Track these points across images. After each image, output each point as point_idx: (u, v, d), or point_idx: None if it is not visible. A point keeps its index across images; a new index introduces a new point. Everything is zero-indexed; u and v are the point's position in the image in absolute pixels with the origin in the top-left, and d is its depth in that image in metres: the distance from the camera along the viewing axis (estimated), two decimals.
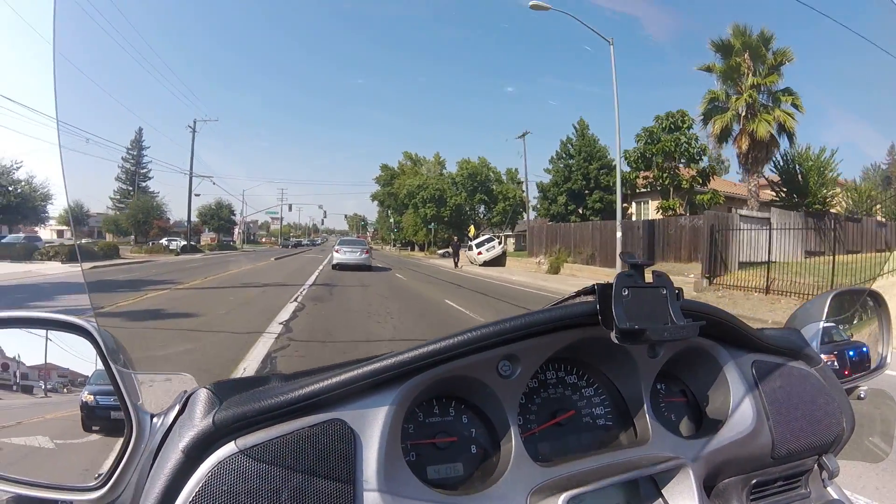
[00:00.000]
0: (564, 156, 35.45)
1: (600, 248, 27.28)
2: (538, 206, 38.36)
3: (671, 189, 27.23)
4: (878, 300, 1.60)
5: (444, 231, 55.43)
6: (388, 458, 0.87)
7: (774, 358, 1.31)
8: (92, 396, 0.95)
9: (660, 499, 1.04)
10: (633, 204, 34.18)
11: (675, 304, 1.00)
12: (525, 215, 50.35)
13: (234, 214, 59.81)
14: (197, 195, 47.23)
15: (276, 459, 0.82)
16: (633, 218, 32.24)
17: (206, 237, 57.71)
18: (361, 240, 36.89)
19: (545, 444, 1.12)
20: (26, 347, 0.95)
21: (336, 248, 27.70)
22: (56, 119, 1.22)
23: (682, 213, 26.36)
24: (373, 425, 0.89)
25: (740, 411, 1.20)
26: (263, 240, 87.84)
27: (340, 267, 25.54)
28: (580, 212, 34.42)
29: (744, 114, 24.15)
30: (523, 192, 51.53)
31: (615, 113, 23.32)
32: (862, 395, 1.49)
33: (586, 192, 33.79)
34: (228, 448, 0.83)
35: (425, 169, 58.20)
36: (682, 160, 27.00)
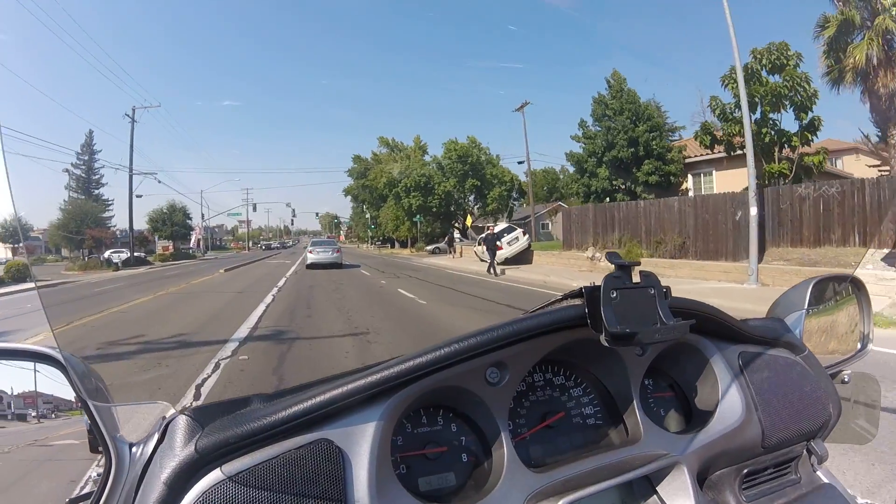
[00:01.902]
0: (602, 117, 27.53)
1: (695, 234, 19.78)
2: (569, 184, 30.49)
3: (776, 148, 19.16)
4: (859, 286, 1.57)
5: (429, 224, 48.38)
6: (378, 475, 0.84)
7: (760, 348, 1.29)
8: None
9: (654, 496, 1.02)
10: (690, 177, 26.92)
11: (664, 304, 0.97)
12: (528, 200, 43.57)
13: (191, 218, 53.31)
14: (139, 196, 42.45)
15: (263, 485, 0.78)
16: (691, 194, 25.14)
17: (163, 246, 51.38)
18: (332, 240, 38.31)
19: (537, 448, 1.08)
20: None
21: (309, 249, 28.61)
22: None
23: (786, 178, 18.49)
24: (361, 443, 0.85)
25: (729, 403, 1.18)
26: (232, 244, 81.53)
27: (314, 266, 26.38)
28: (628, 188, 26.93)
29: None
30: (516, 176, 45.38)
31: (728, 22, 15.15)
32: (846, 380, 1.45)
33: (631, 162, 26.15)
34: (213, 476, 0.78)
35: (404, 155, 50.12)
36: (789, 109, 18.86)
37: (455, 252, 38.48)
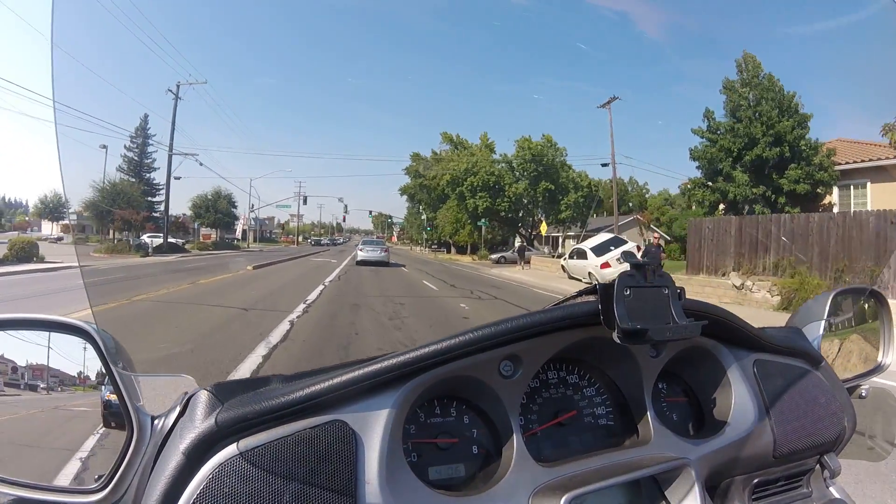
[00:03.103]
0: (737, 107, 21.58)
1: None
2: (692, 191, 24.07)
3: None
4: (880, 299, 1.56)
5: (494, 229, 43.71)
6: (389, 460, 0.86)
7: (776, 357, 1.28)
8: (114, 395, 0.91)
9: (662, 500, 1.01)
10: (836, 190, 21.32)
11: (677, 304, 0.97)
12: (607, 209, 37.76)
13: (236, 207, 48.90)
14: (177, 178, 37.91)
15: (277, 461, 0.80)
16: (836, 210, 20.22)
17: (204, 234, 47.17)
18: (381, 240, 38.59)
19: (547, 445, 1.09)
20: (26, 349, 0.95)
21: (359, 247, 29.61)
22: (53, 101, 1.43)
23: None
24: (374, 426, 0.87)
25: (742, 411, 1.17)
26: (282, 238, 77.39)
27: (363, 263, 26.56)
28: (767, 197, 21.07)
29: None
30: (596, 181, 40.09)
31: None
32: (863, 394, 1.44)
33: (772, 167, 20.34)
34: (230, 450, 0.80)
35: (469, 153, 44.51)
36: None
37: (525, 263, 32.92)
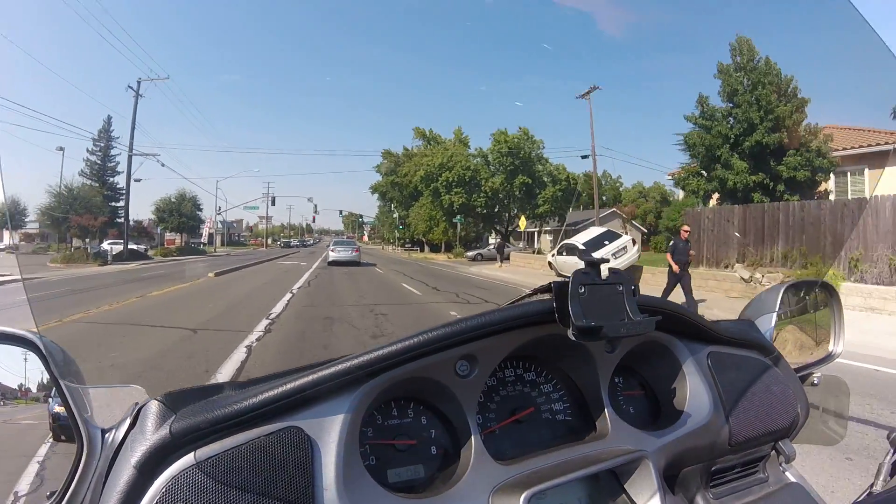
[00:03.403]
0: (733, 93, 20.30)
1: None
2: (686, 180, 22.56)
3: None
4: (830, 291, 1.59)
5: (470, 226, 42.43)
6: (346, 465, 0.84)
7: (730, 349, 1.29)
8: (62, 408, 0.89)
9: (622, 492, 1.02)
10: (832, 177, 20.06)
11: (632, 300, 0.98)
12: (589, 202, 36.49)
13: (201, 210, 47.09)
14: (137, 180, 36.07)
15: (232, 471, 0.77)
16: (832, 198, 19.23)
17: (168, 239, 45.82)
18: (352, 240, 38.99)
19: (506, 442, 1.08)
20: None
21: (331, 248, 29.68)
22: None
23: None
24: (330, 431, 0.85)
25: (697, 402, 1.18)
26: (252, 241, 75.42)
27: (335, 263, 26.68)
28: (766, 185, 19.89)
29: None
30: (574, 174, 38.48)
31: None
32: (816, 382, 1.47)
33: (769, 154, 19.21)
34: (184, 461, 0.77)
35: (442, 148, 43.17)
36: None
37: (504, 260, 31.50)
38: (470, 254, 39.36)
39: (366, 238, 76.91)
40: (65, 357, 0.90)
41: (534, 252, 36.01)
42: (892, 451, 1.03)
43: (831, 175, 19.77)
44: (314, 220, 77.14)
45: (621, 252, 19.34)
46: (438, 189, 37.47)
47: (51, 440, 0.90)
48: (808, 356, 1.55)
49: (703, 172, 21.13)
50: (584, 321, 0.89)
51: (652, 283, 18.08)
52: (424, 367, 0.94)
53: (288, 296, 13.39)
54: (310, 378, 0.84)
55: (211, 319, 9.90)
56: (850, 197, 18.67)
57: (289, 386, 0.83)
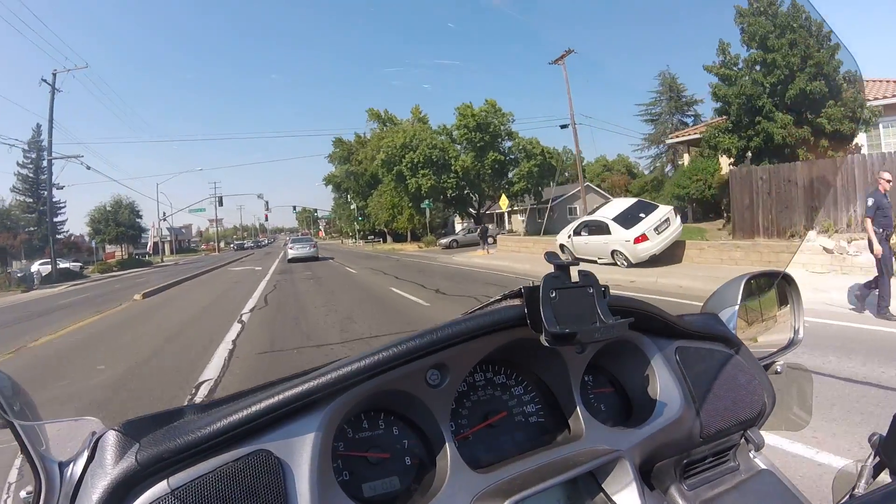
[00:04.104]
0: (763, 37, 17.45)
1: None
2: (717, 138, 19.03)
3: None
4: (790, 281, 1.63)
5: (439, 211, 38.53)
6: (320, 484, 0.81)
7: (696, 343, 1.31)
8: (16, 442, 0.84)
9: (600, 492, 1.02)
10: (863, 135, 18.25)
11: (603, 303, 0.98)
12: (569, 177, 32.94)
13: (140, 217, 42.90)
14: (59, 187, 31.42)
15: (203, 499, 0.74)
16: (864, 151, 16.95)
17: (108, 252, 42.36)
18: (309, 237, 41.30)
19: (481, 449, 1.06)
20: None
21: (289, 246, 30.47)
22: None
23: None
24: (301, 451, 0.82)
25: (668, 397, 1.19)
26: (203, 246, 70.03)
27: (294, 260, 26.90)
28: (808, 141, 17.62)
29: None
30: (550, 148, 34.62)
31: None
32: (779, 370, 1.50)
33: (808, 105, 16.64)
34: (156, 490, 0.74)
35: (400, 129, 38.97)
36: None
37: (489, 246, 27.03)
38: (444, 241, 35.78)
39: (322, 233, 72.68)
40: (13, 388, 0.83)
41: (505, 233, 32.76)
42: (872, 453, 0.95)
43: (861, 132, 17.88)
44: (267, 219, 72.78)
45: (664, 225, 15.67)
46: (402, 172, 33.02)
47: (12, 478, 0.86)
48: (771, 345, 1.58)
49: (731, 128, 18.07)
50: (556, 327, 0.87)
51: (699, 261, 14.56)
52: (394, 379, 0.91)
53: (233, 332, 8.79)
54: (276, 399, 0.80)
55: (84, 407, 5.43)
56: (884, 150, 16.37)
57: (255, 408, 0.79)
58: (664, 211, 15.59)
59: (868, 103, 17.17)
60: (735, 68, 17.82)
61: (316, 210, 71.23)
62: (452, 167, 32.43)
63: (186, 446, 0.75)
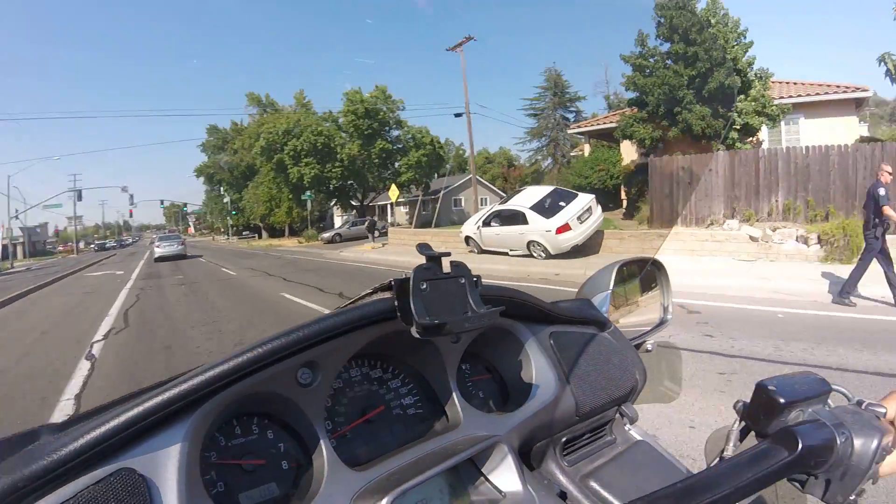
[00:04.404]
0: (689, 26, 17.12)
1: None
2: (631, 127, 19.44)
3: None
4: (659, 267, 1.70)
5: (321, 203, 37.02)
6: (191, 500, 0.76)
7: (569, 327, 1.35)
8: None
9: (480, 476, 1.04)
10: (765, 129, 19.67)
11: (475, 292, 0.97)
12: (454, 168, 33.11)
13: None
14: None
15: None
16: (765, 146, 18.77)
17: None
18: (175, 234, 37.44)
19: (360, 446, 1.04)
20: None
21: (156, 244, 27.87)
22: None
23: None
24: (167, 466, 0.76)
25: (543, 380, 1.22)
26: (61, 248, 63.64)
27: (161, 259, 24.72)
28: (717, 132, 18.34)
29: None
30: (438, 138, 33.77)
31: None
32: (650, 349, 1.59)
33: (721, 98, 17.24)
34: None
35: (283, 115, 36.31)
36: None
37: (376, 239, 26.22)
38: (326, 235, 34.02)
39: (192, 230, 67.89)
40: None
41: (390, 226, 32.60)
42: (737, 419, 0.94)
43: (762, 126, 19.00)
44: (131, 215, 66.81)
45: (586, 214, 14.80)
46: (284, 161, 30.74)
47: None
48: (642, 326, 1.63)
49: (642, 117, 18.71)
50: (427, 318, 0.86)
51: (620, 250, 13.90)
52: (263, 381, 0.88)
53: (78, 378, 6.30)
54: (135, 411, 0.75)
55: None
56: (784, 146, 17.64)
57: (113, 423, 0.73)
58: (586, 199, 14.77)
59: (783, 100, 18.60)
60: (651, 59, 17.88)
61: (186, 205, 66.34)
62: (338, 156, 30.69)
63: (43, 471, 0.68)
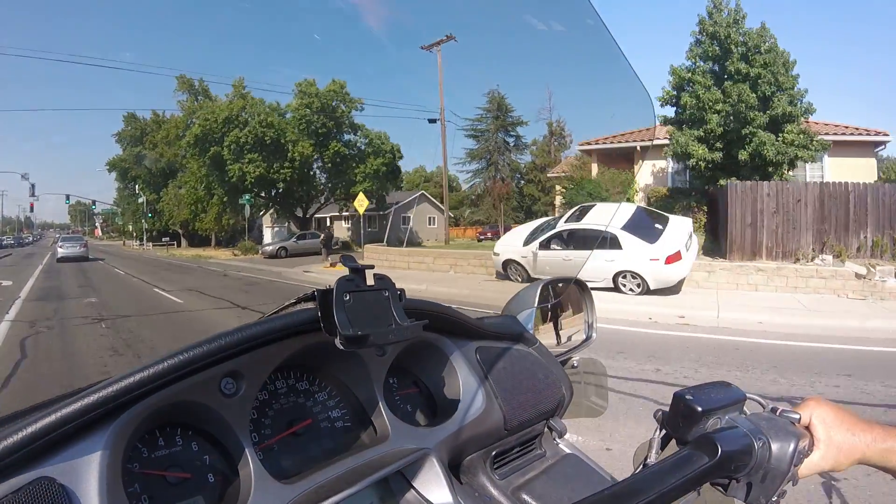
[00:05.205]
0: (747, 50, 17.85)
1: None
2: (685, 144, 18.44)
3: None
4: (583, 286, 1.73)
5: (265, 208, 31.41)
6: None
7: (496, 343, 1.36)
8: None
9: (410, 489, 1.03)
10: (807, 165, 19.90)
11: (398, 305, 0.97)
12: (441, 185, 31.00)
13: None
14: None
15: None
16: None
17: None
18: (79, 235, 36.16)
19: (287, 459, 1.02)
20: None
21: (59, 244, 26.31)
22: None
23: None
24: (87, 476, 0.74)
25: (471, 395, 1.22)
26: None
27: (64, 260, 23.22)
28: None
29: None
30: (398, 146, 29.99)
31: None
32: (575, 365, 1.61)
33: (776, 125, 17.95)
34: None
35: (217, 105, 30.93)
36: None
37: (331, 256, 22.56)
38: (269, 248, 29.45)
39: (98, 232, 60.43)
40: None
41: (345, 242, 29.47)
42: (658, 427, 0.96)
43: (784, 167, 18.54)
44: (32, 209, 58.84)
45: (690, 241, 12.51)
46: (222, 155, 25.40)
47: None
48: (567, 343, 1.67)
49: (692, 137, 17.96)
50: (350, 330, 0.87)
51: (707, 286, 12.83)
52: (185, 389, 0.86)
53: None
54: (54, 418, 0.72)
55: None
56: (808, 180, 17.90)
57: (30, 430, 0.71)
58: (685, 223, 11.91)
59: (824, 137, 18.46)
60: (705, 75, 17.73)
61: (94, 202, 58.99)
62: (289, 154, 26.10)
63: None
